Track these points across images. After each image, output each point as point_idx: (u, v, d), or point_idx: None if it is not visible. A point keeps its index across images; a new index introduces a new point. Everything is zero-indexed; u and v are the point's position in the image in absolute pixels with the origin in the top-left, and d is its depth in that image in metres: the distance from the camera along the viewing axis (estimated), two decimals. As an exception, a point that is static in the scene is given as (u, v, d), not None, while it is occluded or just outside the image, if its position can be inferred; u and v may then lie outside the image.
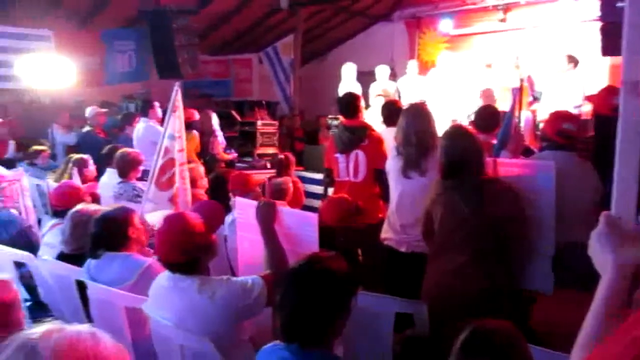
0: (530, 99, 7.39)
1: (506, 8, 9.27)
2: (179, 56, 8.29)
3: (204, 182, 4.84)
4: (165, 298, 2.40)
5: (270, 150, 8.16)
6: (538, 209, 2.85)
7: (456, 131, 3.08)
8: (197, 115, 6.84)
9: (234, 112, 8.94)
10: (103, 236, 2.89)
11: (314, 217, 2.51)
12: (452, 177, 2.88)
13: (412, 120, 3.57)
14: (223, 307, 2.29)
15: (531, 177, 2.89)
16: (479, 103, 6.46)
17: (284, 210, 2.68)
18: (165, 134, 4.20)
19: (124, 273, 2.81)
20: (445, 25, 9.95)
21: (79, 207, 3.25)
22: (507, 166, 3.02)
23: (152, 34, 8.65)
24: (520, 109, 4.91)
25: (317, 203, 6.25)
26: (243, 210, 2.87)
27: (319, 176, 6.61)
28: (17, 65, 7.27)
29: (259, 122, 8.10)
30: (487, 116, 4.51)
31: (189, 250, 2.33)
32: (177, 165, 4.14)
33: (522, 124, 5.53)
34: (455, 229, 2.82)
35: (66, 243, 3.19)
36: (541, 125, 5.57)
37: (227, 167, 7.45)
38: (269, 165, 7.50)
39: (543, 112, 6.71)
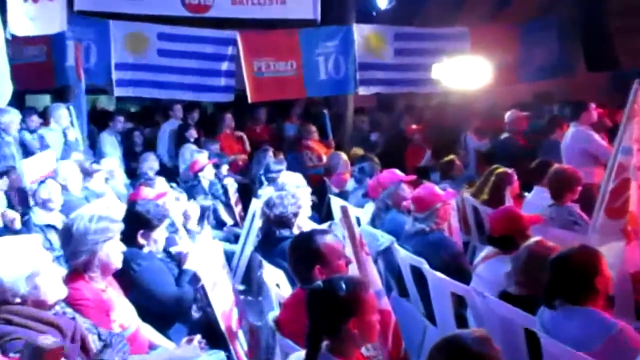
0: None
1: None
2: (615, 43, 7.75)
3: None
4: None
5: None
6: None
7: None
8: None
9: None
10: (562, 283, 2.76)
11: None
12: None
13: None
14: None
15: None
16: None
17: None
18: (618, 148, 3.88)
19: (587, 335, 2.62)
20: None
21: (536, 239, 3.21)
22: None
23: (580, 18, 8.35)
24: None
25: None
26: None
27: None
28: (435, 68, 7.97)
29: None
30: None
31: None
32: (632, 187, 3.77)
33: None
34: None
35: (514, 279, 3.20)
36: None
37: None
38: None
39: None
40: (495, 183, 5.50)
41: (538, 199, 5.10)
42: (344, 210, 2.88)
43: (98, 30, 7.87)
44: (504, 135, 7.41)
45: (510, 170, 5.53)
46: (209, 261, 3.45)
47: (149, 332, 3.19)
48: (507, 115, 7.47)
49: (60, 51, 7.67)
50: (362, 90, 8.54)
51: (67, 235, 2.93)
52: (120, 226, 3.05)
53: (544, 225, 4.60)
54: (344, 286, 2.25)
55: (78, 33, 7.59)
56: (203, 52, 8.17)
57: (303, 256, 2.84)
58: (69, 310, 2.59)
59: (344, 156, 7.29)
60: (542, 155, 6.04)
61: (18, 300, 2.33)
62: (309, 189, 5.13)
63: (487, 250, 3.86)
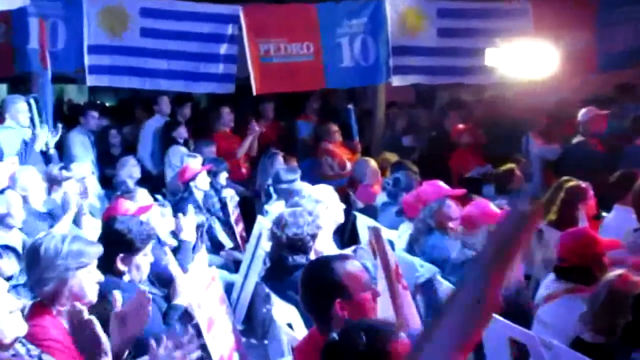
0: None
1: None
2: None
3: None
4: None
5: None
6: None
7: None
8: None
9: None
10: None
11: None
12: None
13: None
14: None
15: None
16: None
17: None
18: None
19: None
20: None
21: (618, 272, 3.24)
22: None
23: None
24: None
25: None
26: None
27: None
28: (488, 54, 7.98)
29: None
30: None
31: None
32: None
33: None
34: None
35: (590, 323, 3.22)
36: None
37: None
38: None
39: None
40: (565, 200, 5.48)
41: (620, 220, 5.11)
42: (375, 232, 2.92)
43: (68, 4, 7.93)
44: (577, 139, 7.41)
45: (584, 184, 5.53)
46: (203, 294, 3.47)
47: (129, 381, 3.24)
48: (581, 113, 7.47)
49: (22, 31, 7.74)
50: (397, 81, 8.56)
51: (34, 258, 2.97)
52: (99, 251, 3.08)
53: (625, 253, 4.61)
54: (364, 337, 2.26)
55: (43, 8, 7.65)
56: (197, 32, 8.20)
57: (319, 288, 2.82)
58: (32, 347, 2.65)
59: (372, 163, 7.31)
60: (625, 166, 6.04)
61: (-34, 339, 2.40)
62: (342, 206, 5.14)
63: (551, 285, 3.88)
